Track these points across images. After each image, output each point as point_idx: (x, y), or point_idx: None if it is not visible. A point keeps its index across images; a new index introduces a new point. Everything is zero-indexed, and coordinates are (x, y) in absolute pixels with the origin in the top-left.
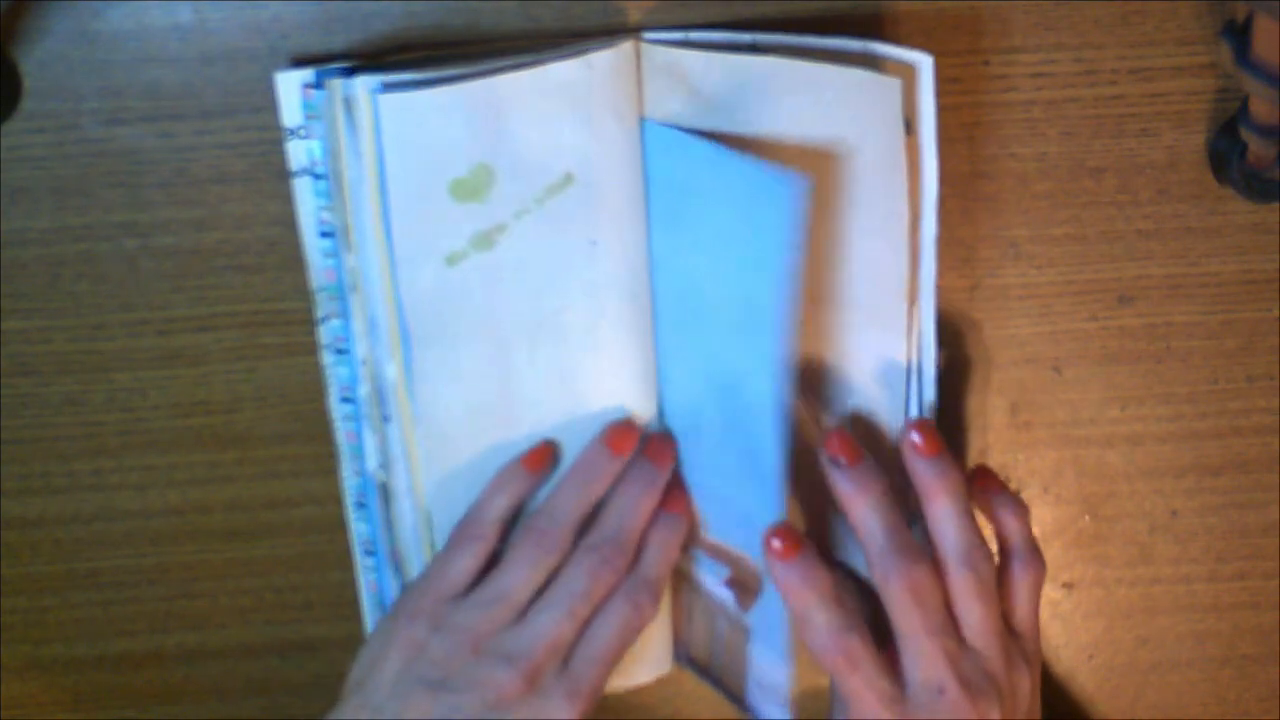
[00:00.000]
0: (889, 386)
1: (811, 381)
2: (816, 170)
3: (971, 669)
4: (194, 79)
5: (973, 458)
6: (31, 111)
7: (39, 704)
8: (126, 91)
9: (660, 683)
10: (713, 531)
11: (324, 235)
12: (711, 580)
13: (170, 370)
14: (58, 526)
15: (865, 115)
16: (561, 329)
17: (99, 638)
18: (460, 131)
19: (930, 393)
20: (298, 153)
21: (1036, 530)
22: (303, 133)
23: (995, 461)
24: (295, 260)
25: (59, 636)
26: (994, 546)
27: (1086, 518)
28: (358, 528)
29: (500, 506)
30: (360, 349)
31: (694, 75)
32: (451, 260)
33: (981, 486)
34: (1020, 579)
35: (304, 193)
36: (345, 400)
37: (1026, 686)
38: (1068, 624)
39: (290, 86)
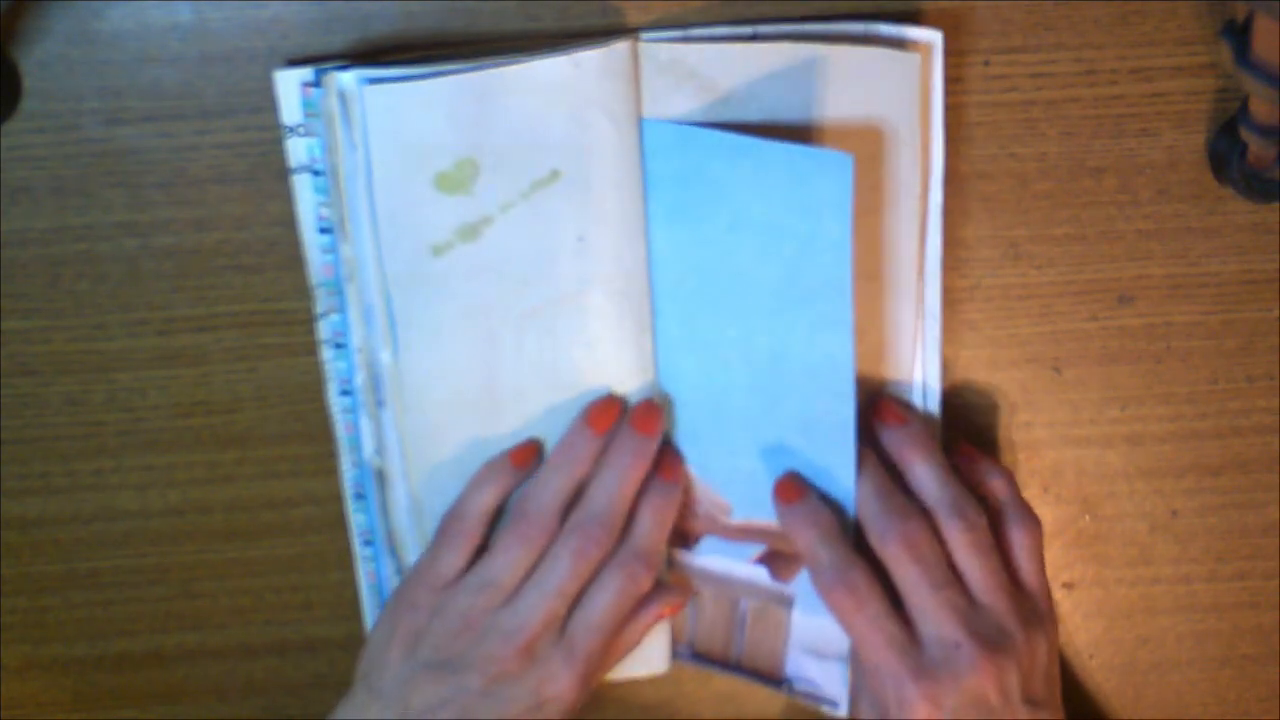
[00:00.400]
0: (899, 362)
1: None
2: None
3: (983, 624)
4: (194, 79)
5: None
6: (31, 111)
7: (39, 704)
8: (126, 91)
9: (659, 682)
10: (738, 513)
11: (323, 231)
12: (735, 564)
13: (170, 370)
14: (58, 526)
15: (882, 93)
16: (549, 322)
17: (99, 638)
18: (444, 125)
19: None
20: (297, 150)
21: None
22: (302, 130)
23: None
24: (295, 260)
25: (59, 636)
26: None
27: (1086, 518)
28: (356, 519)
29: (484, 502)
30: (356, 337)
31: (702, 69)
32: (438, 251)
33: (964, 455)
34: (1017, 538)
35: (303, 189)
36: (344, 393)
37: (1044, 647)
38: (1068, 624)
39: (289, 85)
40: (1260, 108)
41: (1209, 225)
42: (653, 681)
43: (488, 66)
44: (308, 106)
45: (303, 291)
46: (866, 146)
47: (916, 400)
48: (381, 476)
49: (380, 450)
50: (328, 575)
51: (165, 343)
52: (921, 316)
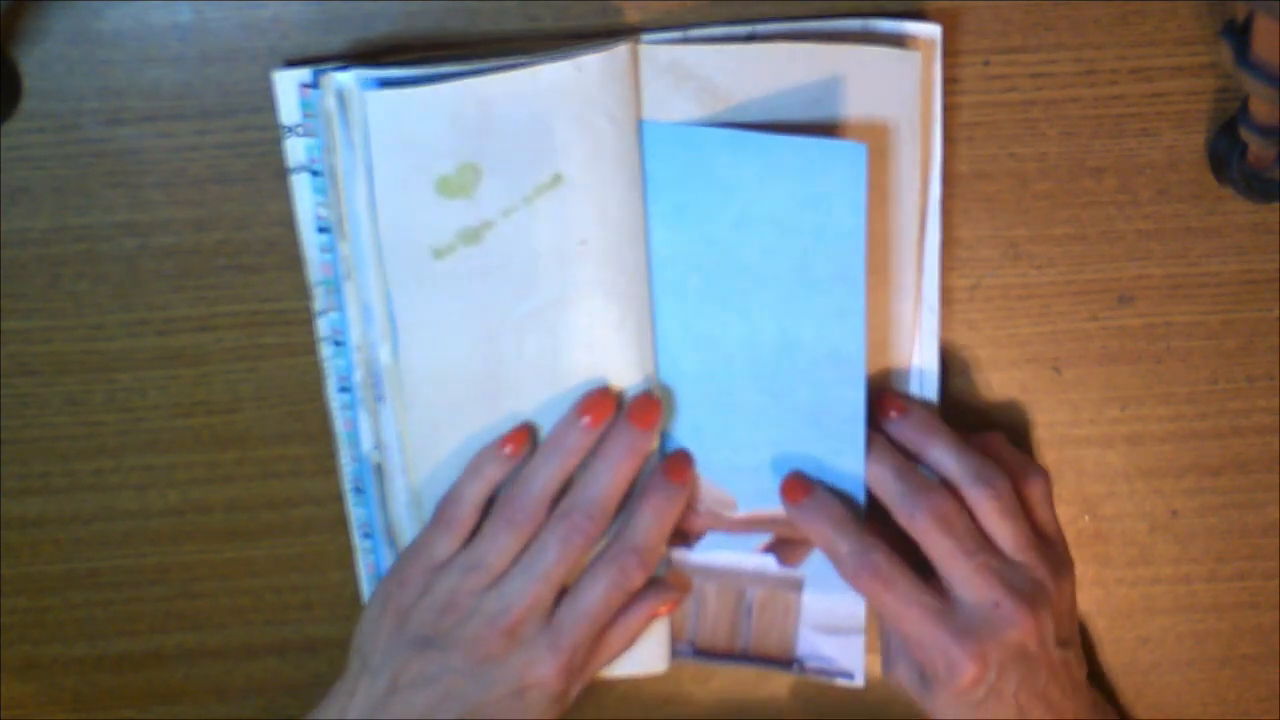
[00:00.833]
0: (898, 352)
1: None
2: None
3: (1019, 580)
4: (194, 79)
5: None
6: (31, 111)
7: (39, 704)
8: (126, 91)
9: (659, 681)
10: (743, 506)
11: (321, 230)
12: (740, 556)
13: (170, 370)
14: (58, 526)
15: (883, 91)
16: (550, 323)
17: (99, 638)
18: (446, 131)
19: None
20: (295, 150)
21: None
22: (300, 131)
23: None
24: (294, 260)
25: (59, 636)
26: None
27: (1086, 518)
28: (355, 512)
29: (476, 490)
30: (354, 335)
31: (701, 71)
32: (439, 254)
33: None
34: (1029, 491)
35: (302, 189)
36: (343, 390)
37: (1069, 590)
38: None
39: (288, 85)
40: (1260, 108)
41: (1209, 225)
42: (653, 680)
43: (489, 71)
44: (306, 107)
45: (302, 291)
46: (868, 143)
47: (914, 388)
48: (380, 471)
49: (379, 445)
50: (328, 575)
51: (165, 343)
52: (920, 309)
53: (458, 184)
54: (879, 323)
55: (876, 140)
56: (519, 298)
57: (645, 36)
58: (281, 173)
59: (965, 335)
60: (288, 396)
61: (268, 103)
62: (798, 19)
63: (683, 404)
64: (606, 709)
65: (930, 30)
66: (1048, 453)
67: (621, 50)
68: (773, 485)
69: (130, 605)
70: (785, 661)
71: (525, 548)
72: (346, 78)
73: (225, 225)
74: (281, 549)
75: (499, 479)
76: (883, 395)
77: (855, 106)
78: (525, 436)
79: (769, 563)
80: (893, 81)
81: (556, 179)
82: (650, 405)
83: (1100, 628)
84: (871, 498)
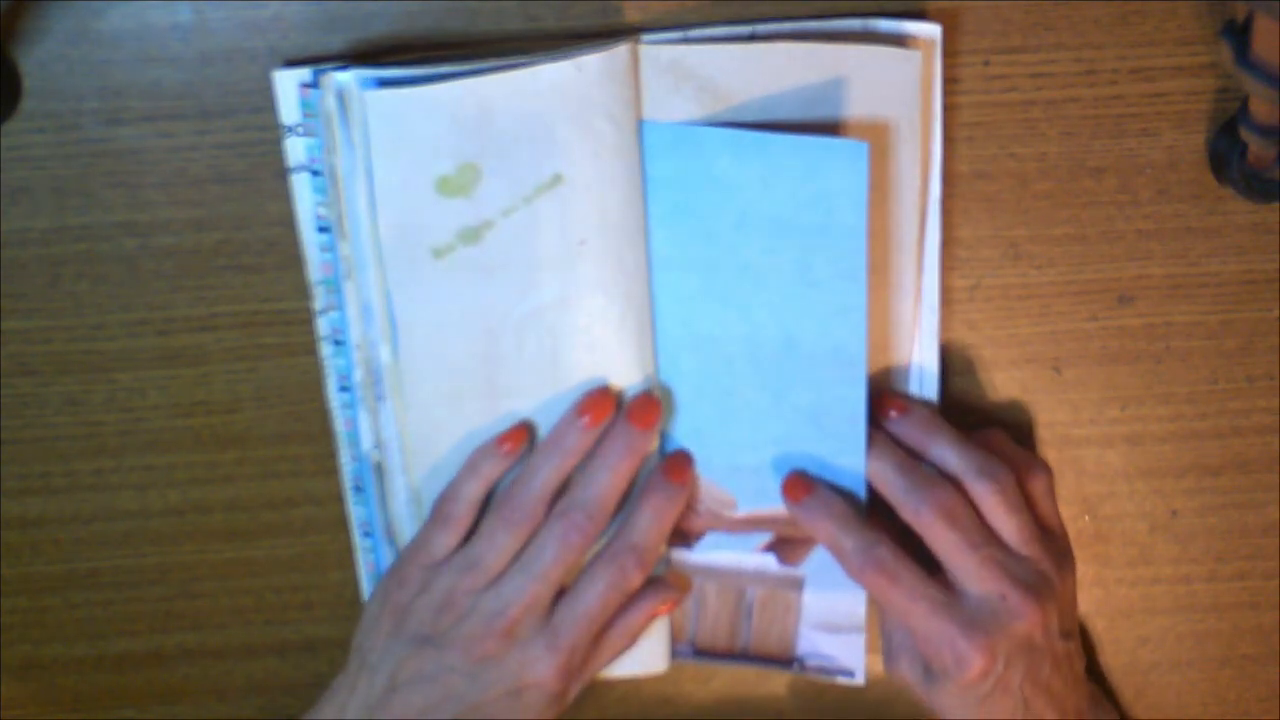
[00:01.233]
0: (898, 351)
1: None
2: None
3: (1025, 573)
4: (194, 79)
5: None
6: (31, 111)
7: (39, 704)
8: (126, 91)
9: (659, 682)
10: (743, 506)
11: (321, 230)
12: (740, 555)
13: (170, 370)
14: (58, 526)
15: (883, 90)
16: (550, 323)
17: (99, 638)
18: (446, 130)
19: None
20: (295, 150)
21: None
22: (300, 130)
23: None
24: (294, 259)
25: (59, 636)
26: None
27: (1086, 518)
28: (356, 511)
29: (473, 488)
30: (354, 334)
31: (701, 70)
32: (438, 253)
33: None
34: (1031, 485)
35: (302, 188)
36: (343, 389)
37: (1072, 582)
38: None
39: (288, 85)
40: (1260, 108)
41: (1209, 225)
42: (653, 680)
43: (490, 71)
44: (306, 107)
45: (302, 291)
46: (869, 141)
47: (914, 388)
48: (380, 470)
49: (379, 444)
50: (328, 575)
51: (165, 343)
52: (919, 307)
53: (457, 184)
54: (879, 323)
55: (877, 140)
56: (519, 298)
57: (645, 36)
58: (281, 173)
59: (965, 335)
60: (288, 396)
61: (268, 103)
62: (798, 19)
63: (683, 404)
64: (606, 709)
65: (930, 30)
66: (1048, 452)
67: (622, 50)
68: (773, 484)
69: (130, 605)
70: (786, 660)
71: (523, 547)
72: (346, 77)
73: (225, 225)
74: (281, 549)
75: (496, 477)
76: (883, 395)
77: (855, 106)
78: (523, 435)
79: (769, 562)
80: (893, 81)
81: (556, 179)
82: (650, 405)
83: (1100, 628)
84: (872, 496)
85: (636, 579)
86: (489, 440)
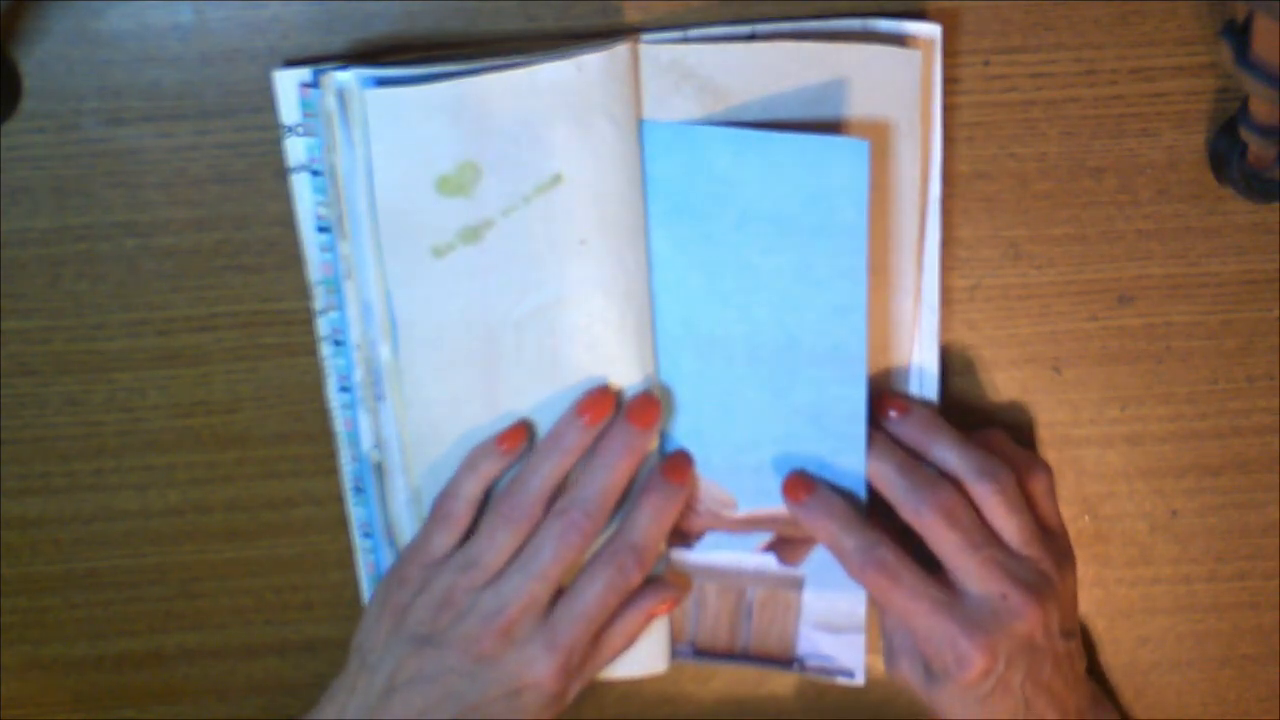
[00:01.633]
0: (898, 351)
1: None
2: None
3: (1026, 573)
4: (194, 79)
5: None
6: (31, 111)
7: (39, 704)
8: (126, 91)
9: (659, 682)
10: (743, 506)
11: (321, 230)
12: (740, 555)
13: (170, 370)
14: (58, 526)
15: (883, 90)
16: (550, 323)
17: (99, 638)
18: (446, 129)
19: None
20: (295, 150)
21: None
22: (300, 130)
23: None
24: (295, 259)
25: (59, 636)
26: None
27: (1086, 518)
28: (355, 512)
29: (472, 486)
30: (354, 334)
31: (701, 70)
32: (438, 252)
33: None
34: (1032, 485)
35: (302, 188)
36: (343, 389)
37: (1073, 581)
38: None
39: (288, 84)
40: (1260, 108)
41: (1209, 225)
42: (653, 680)
43: (490, 70)
44: (306, 106)
45: (302, 291)
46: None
47: (914, 388)
48: (380, 470)
49: (379, 444)
50: (328, 575)
51: (165, 343)
52: (919, 307)
53: (457, 182)
54: (879, 323)
55: (877, 140)
56: (519, 297)
57: (645, 36)
58: (281, 172)
59: (965, 335)
60: (288, 396)
61: (268, 103)
62: (798, 19)
63: (683, 404)
64: (607, 709)
65: (930, 30)
66: (1048, 453)
67: (622, 50)
68: (773, 484)
69: (130, 605)
70: (786, 661)
71: (522, 546)
72: (347, 77)
73: (225, 225)
74: (281, 549)
75: (495, 475)
76: (883, 396)
77: (855, 106)
78: (522, 433)
79: (769, 562)
80: (893, 81)
81: (556, 178)
82: (649, 405)
83: (1100, 628)
84: (872, 496)
85: (635, 578)
86: (488, 439)
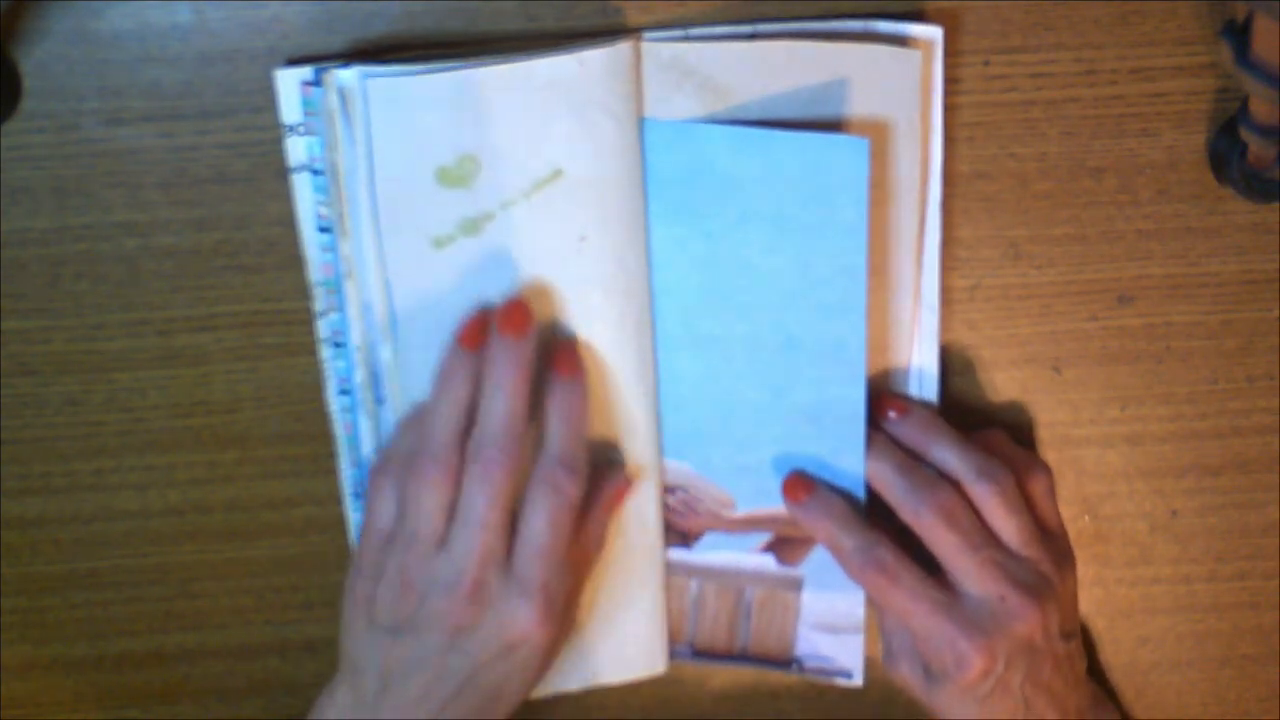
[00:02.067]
0: (897, 352)
1: None
2: None
3: (1025, 574)
4: (194, 79)
5: None
6: (31, 111)
7: (39, 704)
8: (126, 91)
9: (659, 682)
10: (742, 506)
11: (322, 230)
12: (739, 555)
13: (170, 370)
14: (58, 526)
15: (883, 90)
16: (549, 320)
17: (99, 638)
18: (445, 120)
19: (933, 354)
20: (296, 149)
21: None
22: (302, 129)
23: None
24: (295, 259)
25: (59, 636)
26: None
27: (1086, 518)
28: (355, 516)
29: (405, 445)
30: (354, 335)
31: (703, 68)
32: (439, 244)
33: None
34: (1031, 486)
35: (303, 188)
36: (343, 392)
37: (1073, 583)
38: None
39: (289, 84)
40: (1260, 108)
41: (1209, 225)
42: (653, 680)
43: (491, 63)
44: (308, 105)
45: (302, 291)
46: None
47: (913, 388)
48: None
49: (378, 448)
50: (328, 575)
51: (165, 343)
52: (919, 307)
53: (457, 174)
54: (878, 323)
55: (877, 140)
56: (518, 292)
57: (647, 34)
58: (282, 172)
59: (965, 335)
60: (288, 397)
61: (268, 102)
62: (799, 19)
63: (682, 403)
64: (607, 709)
65: (932, 32)
66: (1048, 453)
67: (623, 47)
68: (772, 484)
69: (130, 605)
70: (784, 661)
71: (453, 499)
72: (349, 74)
73: (225, 225)
74: (281, 549)
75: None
76: (882, 396)
77: (856, 106)
78: (483, 323)
79: (768, 562)
80: (893, 81)
81: (556, 174)
82: (517, 309)
83: (1100, 628)
84: (871, 496)
85: (573, 489)
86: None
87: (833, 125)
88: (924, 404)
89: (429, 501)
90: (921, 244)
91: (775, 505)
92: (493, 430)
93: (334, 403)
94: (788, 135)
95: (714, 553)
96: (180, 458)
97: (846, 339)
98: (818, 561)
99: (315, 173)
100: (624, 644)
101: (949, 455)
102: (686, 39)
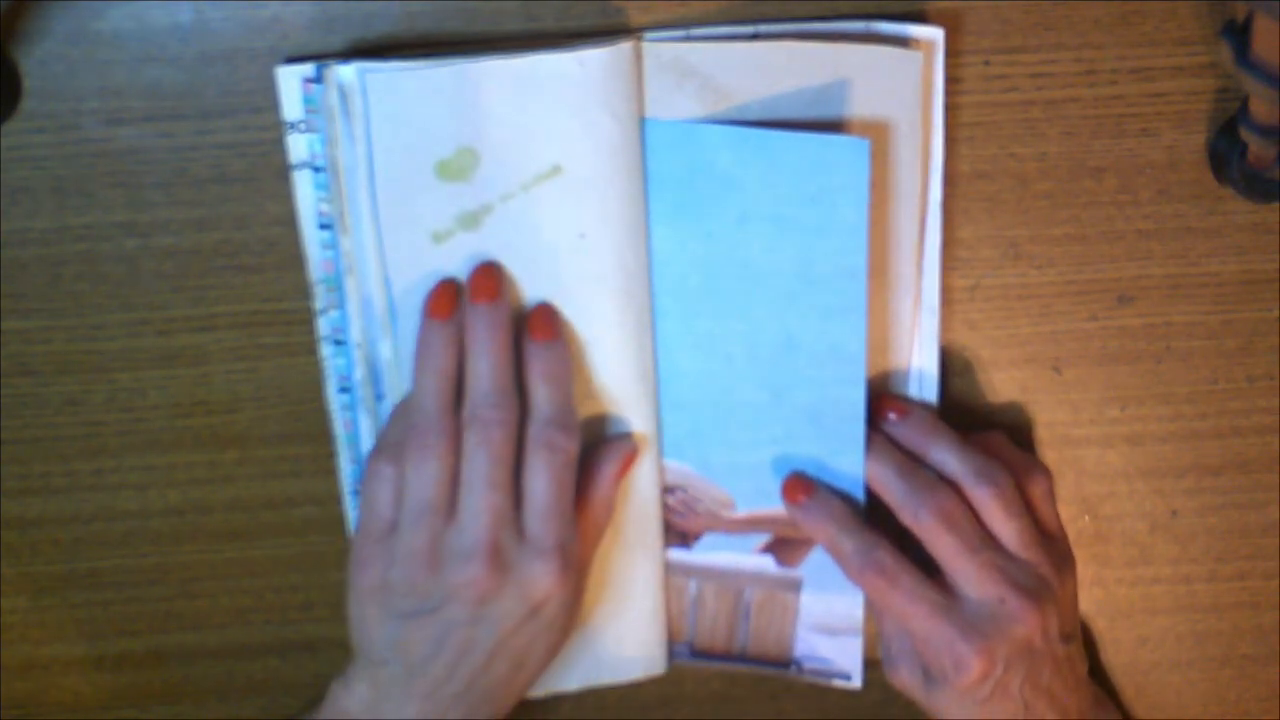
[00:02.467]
0: (897, 353)
1: None
2: None
3: (1025, 577)
4: (194, 79)
5: None
6: (31, 111)
7: (39, 704)
8: (126, 91)
9: (659, 682)
10: (742, 506)
11: (323, 227)
12: (739, 556)
13: (170, 370)
14: (58, 526)
15: (884, 91)
16: None
17: (99, 638)
18: (444, 113)
19: (933, 355)
20: (298, 146)
21: None
22: (303, 127)
23: None
24: (295, 259)
25: (59, 636)
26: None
27: (1086, 518)
28: (354, 515)
29: (396, 431)
30: (354, 332)
31: (704, 69)
32: (438, 238)
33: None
34: (1031, 488)
35: (304, 186)
36: (343, 390)
37: (1073, 585)
38: None
39: (291, 80)
40: (1260, 108)
41: (1209, 225)
42: (652, 680)
43: (491, 58)
44: (309, 103)
45: (302, 291)
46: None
47: (913, 390)
48: None
49: None
50: (328, 575)
51: (165, 343)
52: (919, 309)
53: (456, 167)
54: (878, 324)
55: (877, 141)
56: (518, 290)
57: (649, 34)
58: (282, 173)
59: (965, 335)
60: (288, 396)
61: (268, 102)
62: (800, 20)
63: (682, 403)
64: (607, 709)
65: (933, 34)
66: (1048, 453)
67: (624, 47)
68: (772, 485)
69: (130, 605)
70: (783, 662)
71: (454, 469)
72: (349, 71)
73: (225, 225)
74: (281, 549)
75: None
76: (882, 398)
77: (856, 106)
78: (452, 290)
79: (767, 563)
80: (894, 81)
81: (556, 169)
82: (488, 274)
83: (1100, 628)
84: (870, 498)
85: (570, 446)
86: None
87: (833, 126)
88: (924, 405)
89: (431, 472)
90: (922, 245)
91: (775, 506)
92: (484, 390)
93: (334, 400)
94: (788, 136)
95: (713, 553)
96: (180, 458)
97: (846, 339)
98: (817, 563)
99: (316, 170)
100: (624, 644)
101: (949, 457)
102: (688, 39)
